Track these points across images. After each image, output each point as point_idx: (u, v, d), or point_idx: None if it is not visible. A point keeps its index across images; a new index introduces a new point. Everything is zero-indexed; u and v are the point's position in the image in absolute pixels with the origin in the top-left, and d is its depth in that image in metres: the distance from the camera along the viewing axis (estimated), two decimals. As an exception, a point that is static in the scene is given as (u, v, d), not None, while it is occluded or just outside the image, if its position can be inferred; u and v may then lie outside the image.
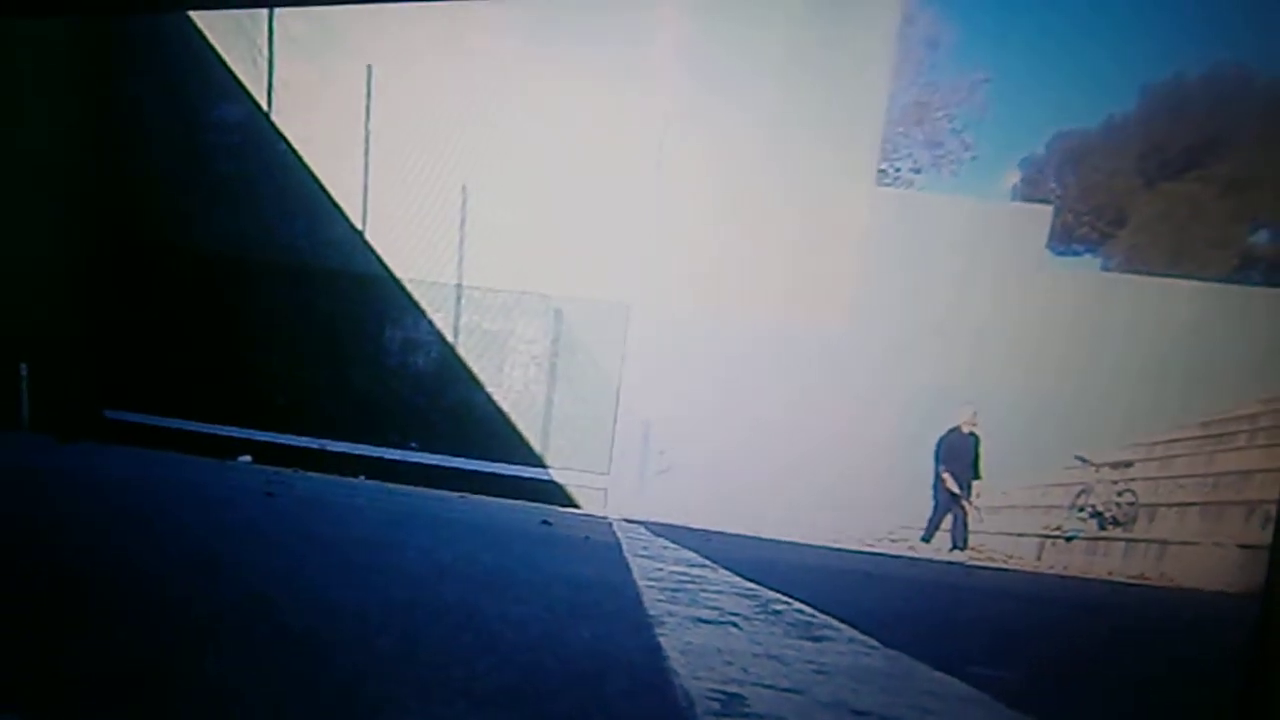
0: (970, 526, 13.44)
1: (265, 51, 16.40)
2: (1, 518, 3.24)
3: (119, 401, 16.42)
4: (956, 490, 13.36)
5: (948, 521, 13.64)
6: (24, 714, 1.10)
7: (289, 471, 12.03)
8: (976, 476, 13.50)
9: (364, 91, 16.45)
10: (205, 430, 16.19)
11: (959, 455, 13.53)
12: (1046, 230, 17.48)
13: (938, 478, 13.65)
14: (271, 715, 1.21)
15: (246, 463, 14.03)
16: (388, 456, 16.40)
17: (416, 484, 14.60)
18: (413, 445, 16.58)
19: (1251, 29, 35.68)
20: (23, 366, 14.00)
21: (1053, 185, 37.64)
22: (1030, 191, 36.36)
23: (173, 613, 1.83)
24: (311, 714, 1.24)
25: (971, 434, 13.53)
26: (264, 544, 3.50)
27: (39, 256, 14.81)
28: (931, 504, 13.69)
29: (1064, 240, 34.44)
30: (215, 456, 14.26)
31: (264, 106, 16.42)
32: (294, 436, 16.32)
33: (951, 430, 13.80)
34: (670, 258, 16.47)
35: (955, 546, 13.24)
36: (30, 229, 14.56)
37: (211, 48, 16.33)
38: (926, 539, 13.53)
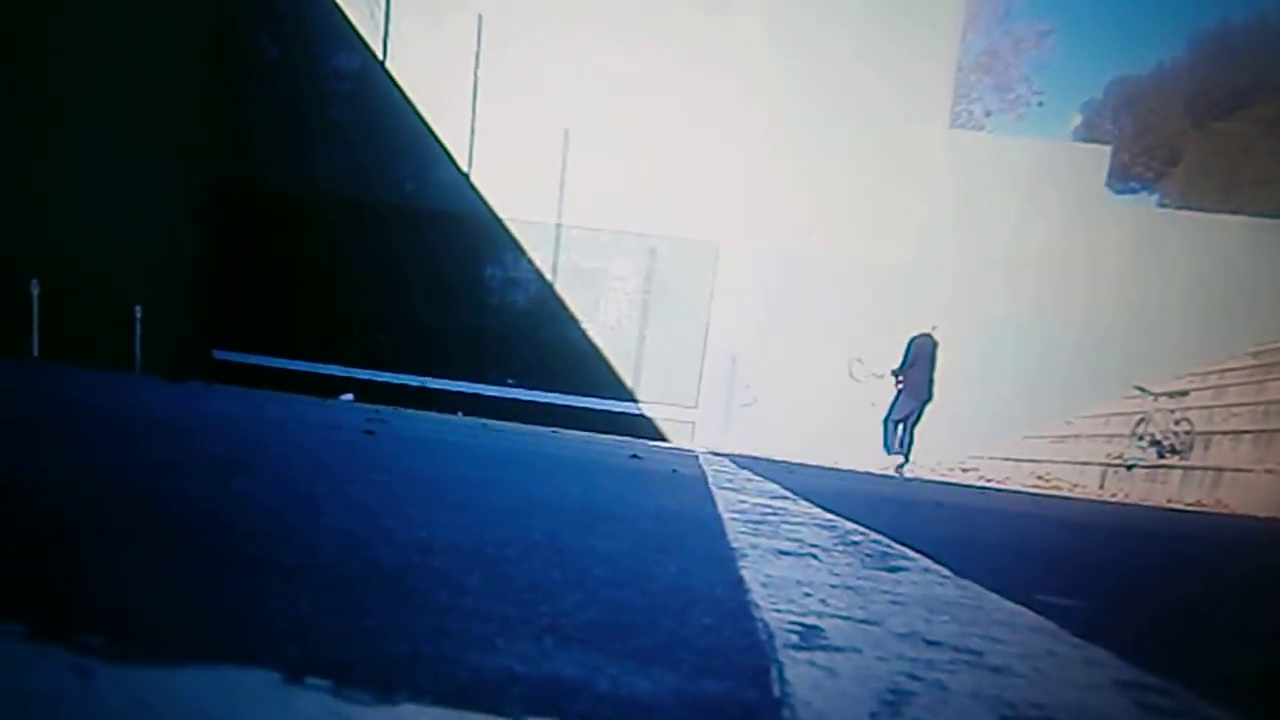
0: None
1: (382, 2, 16.68)
2: (107, 457, 3.38)
3: (228, 342, 16.92)
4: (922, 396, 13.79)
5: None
6: (117, 650, 1.17)
7: (389, 409, 12.31)
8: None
9: (474, 40, 16.64)
10: (310, 369, 16.63)
11: (923, 358, 13.76)
12: (1105, 169, 17.50)
13: (903, 373, 13.91)
14: (360, 653, 1.28)
15: (348, 401, 14.40)
16: (485, 393, 16.70)
17: (512, 420, 14.84)
18: (509, 382, 16.83)
19: None
20: (137, 309, 14.46)
21: (1110, 126, 37.85)
22: (1089, 133, 36.74)
23: (267, 550, 1.91)
24: (399, 652, 1.30)
25: (933, 339, 13.75)
26: (359, 481, 3.61)
27: (153, 200, 15.24)
28: (892, 405, 14.02)
29: (1122, 179, 34.76)
30: (318, 395, 14.66)
31: (379, 55, 16.69)
32: (395, 374, 16.69)
33: (921, 334, 13.82)
34: (757, 198, 16.56)
35: (904, 454, 13.81)
36: (145, 174, 14.96)
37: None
38: (890, 448, 13.89)
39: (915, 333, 14.01)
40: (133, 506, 2.30)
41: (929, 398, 13.87)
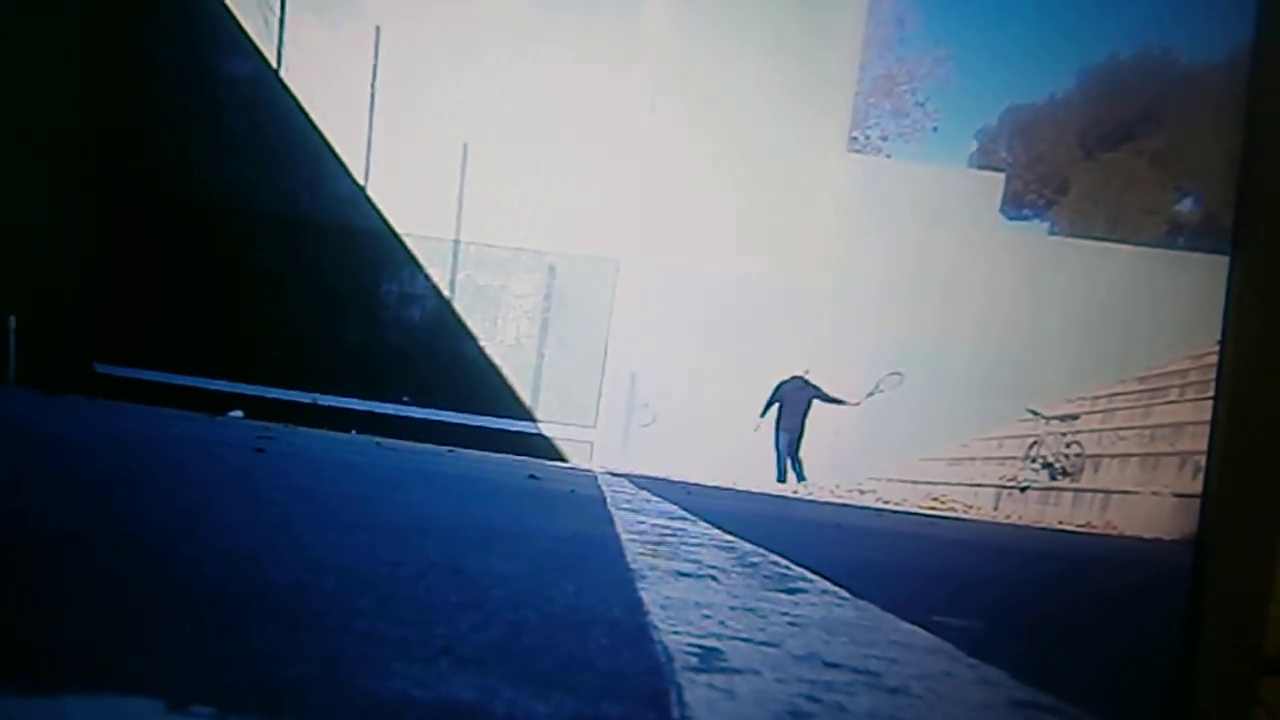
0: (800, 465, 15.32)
1: (276, 8, 16.32)
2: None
3: (110, 355, 16.37)
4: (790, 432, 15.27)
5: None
6: None
7: (280, 426, 12.04)
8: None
9: (371, 50, 16.42)
10: (197, 384, 16.18)
11: (793, 402, 15.24)
12: (1000, 195, 18.13)
13: (778, 420, 15.37)
14: (251, 674, 1.24)
15: (237, 417, 14.05)
16: (380, 410, 16.43)
17: (408, 438, 14.64)
18: (405, 399, 16.61)
19: (1177, 15, 37.60)
20: (11, 319, 13.90)
21: (1004, 154, 39.06)
22: (984, 160, 37.91)
23: (154, 571, 1.85)
24: (291, 674, 1.27)
25: (808, 383, 15.24)
26: (250, 500, 3.53)
27: (31, 206, 14.67)
28: (775, 447, 15.40)
29: (1015, 206, 36.00)
30: (206, 411, 14.27)
31: (273, 63, 16.35)
32: (287, 390, 16.32)
33: (791, 379, 15.28)
34: (657, 217, 16.66)
35: (800, 479, 15.16)
36: (23, 178, 14.40)
37: (222, 3, 16.24)
38: (780, 479, 15.11)
39: (782, 378, 15.42)
40: (7, 525, 2.21)
41: (794, 435, 15.28)
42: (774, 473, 15.37)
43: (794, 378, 15.27)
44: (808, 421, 15.32)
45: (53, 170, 15.29)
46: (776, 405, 15.36)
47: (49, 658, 1.22)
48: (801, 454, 15.26)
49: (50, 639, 1.30)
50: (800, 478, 15.17)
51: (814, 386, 15.23)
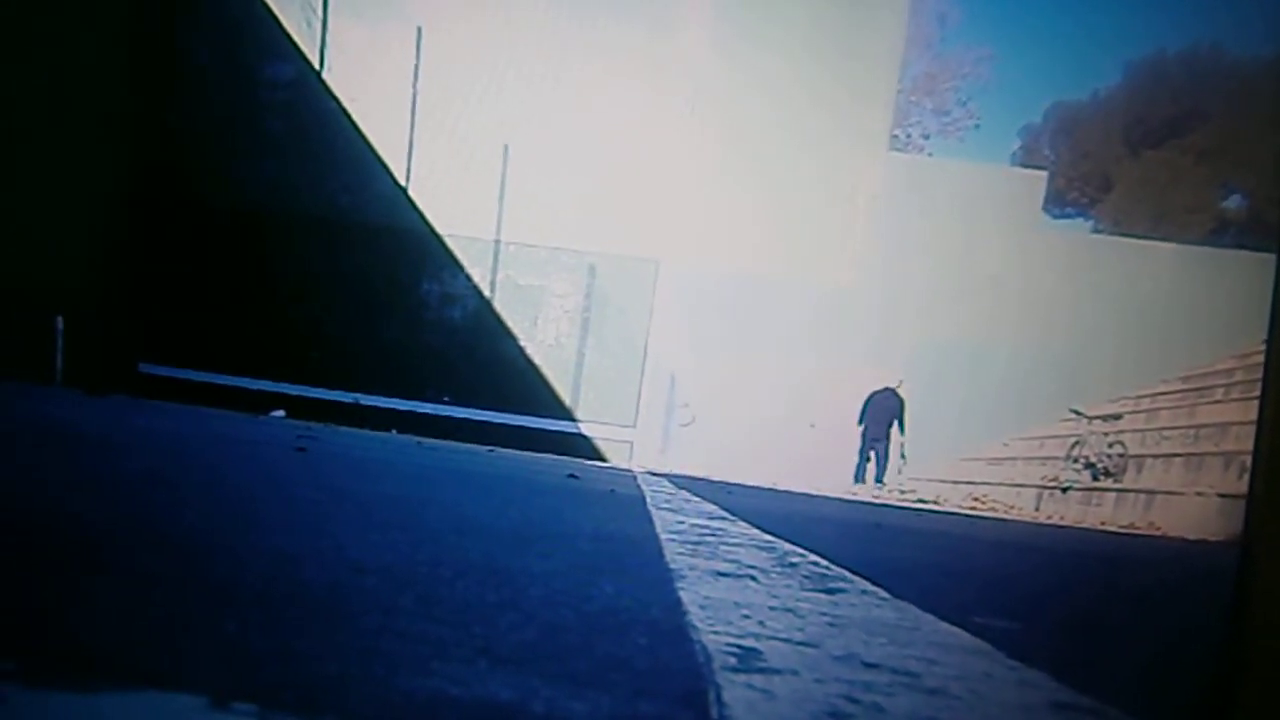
0: (890, 468, 15.49)
1: (319, 12, 16.42)
2: (24, 472, 3.30)
3: (154, 355, 16.54)
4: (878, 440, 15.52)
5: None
6: (35, 675, 1.13)
7: (321, 426, 12.14)
8: (901, 431, 15.46)
9: (413, 52, 16.49)
10: (240, 384, 16.32)
11: (879, 412, 15.43)
12: (1042, 194, 17.97)
13: (863, 427, 15.65)
14: (291, 672, 1.24)
15: (279, 417, 14.17)
16: (421, 410, 16.51)
17: (449, 438, 14.70)
18: (445, 399, 16.67)
19: (1225, 10, 37.05)
20: (58, 320, 14.07)
21: (1047, 152, 38.56)
22: (1028, 158, 37.44)
23: (196, 570, 1.86)
24: (331, 672, 1.27)
25: (896, 394, 15.35)
26: (291, 500, 3.55)
27: (78, 208, 14.86)
28: (859, 450, 15.66)
29: (1058, 204, 35.56)
30: (249, 411, 14.41)
31: (315, 65, 16.46)
32: (329, 390, 16.44)
33: (879, 390, 15.45)
34: (697, 217, 16.62)
35: (877, 481, 15.23)
36: (71, 180, 14.59)
37: (266, 6, 16.36)
38: (859, 480, 15.35)
39: (875, 388, 15.61)
40: (51, 524, 2.23)
41: (877, 444, 15.44)
42: (852, 474, 15.66)
43: (885, 388, 15.53)
44: (893, 433, 15.53)
45: (99, 174, 15.50)
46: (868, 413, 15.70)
47: (92, 655, 1.23)
48: (889, 464, 15.45)
49: (91, 635, 1.32)
50: (876, 479, 15.37)
51: (900, 401, 15.40)
